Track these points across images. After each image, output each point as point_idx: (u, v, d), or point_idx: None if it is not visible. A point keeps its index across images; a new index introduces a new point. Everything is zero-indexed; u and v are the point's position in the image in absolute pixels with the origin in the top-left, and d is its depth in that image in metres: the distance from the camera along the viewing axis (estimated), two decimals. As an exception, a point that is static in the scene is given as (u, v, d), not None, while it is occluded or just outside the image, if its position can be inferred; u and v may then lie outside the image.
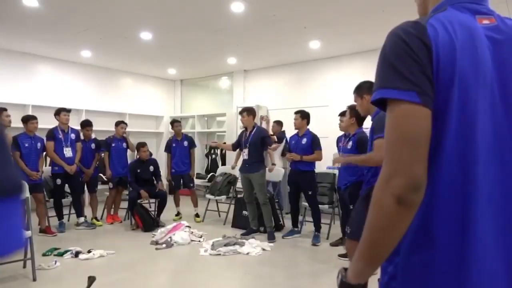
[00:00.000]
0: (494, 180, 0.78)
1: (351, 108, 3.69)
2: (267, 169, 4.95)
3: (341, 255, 4.03)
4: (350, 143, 3.76)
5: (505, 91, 0.80)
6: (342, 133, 4.29)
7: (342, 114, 4.17)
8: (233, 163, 5.54)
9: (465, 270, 0.75)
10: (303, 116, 4.73)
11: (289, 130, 5.11)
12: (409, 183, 0.72)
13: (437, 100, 0.76)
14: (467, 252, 0.75)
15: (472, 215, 0.76)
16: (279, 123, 6.15)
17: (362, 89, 2.70)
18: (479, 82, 0.77)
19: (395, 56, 0.77)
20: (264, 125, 6.34)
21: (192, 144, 6.09)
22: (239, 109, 7.36)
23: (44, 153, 5.04)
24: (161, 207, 5.51)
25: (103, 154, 5.72)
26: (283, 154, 5.54)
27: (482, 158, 0.77)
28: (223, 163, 7.44)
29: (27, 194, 3.49)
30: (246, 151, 4.82)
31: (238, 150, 5.18)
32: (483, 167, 0.77)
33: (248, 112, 4.89)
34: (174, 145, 6.01)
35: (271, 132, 5.98)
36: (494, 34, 0.81)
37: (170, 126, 6.56)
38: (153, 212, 5.57)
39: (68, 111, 5.18)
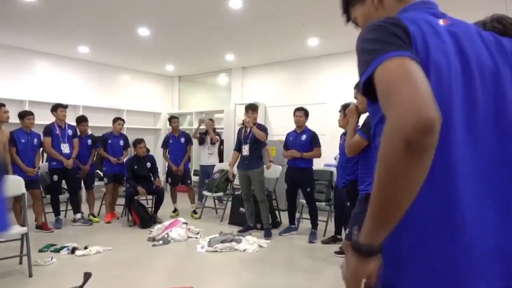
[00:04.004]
0: (472, 162, 0.80)
1: (344, 107, 3.69)
2: (264, 166, 4.94)
3: (337, 252, 4.04)
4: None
5: (468, 79, 0.82)
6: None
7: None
8: (230, 169, 5.30)
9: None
10: (307, 114, 4.76)
11: (287, 127, 5.12)
12: (420, 121, 0.64)
13: None
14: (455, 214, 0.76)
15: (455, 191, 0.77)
16: (212, 120, 6.55)
17: None
18: (451, 70, 0.80)
19: (374, 34, 0.78)
20: (203, 127, 6.47)
21: (189, 141, 6.10)
22: (237, 106, 7.40)
23: (41, 149, 5.02)
24: (158, 203, 5.51)
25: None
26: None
27: (460, 139, 0.79)
28: (221, 160, 7.44)
29: (23, 190, 3.48)
30: (246, 147, 4.80)
31: (236, 153, 5.04)
32: (461, 149, 0.79)
33: (252, 109, 4.89)
34: (171, 141, 6.02)
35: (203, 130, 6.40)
36: (451, 28, 0.86)
37: (167, 123, 6.55)
38: (150, 209, 5.57)
39: (65, 107, 5.15)
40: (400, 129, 0.65)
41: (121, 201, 5.79)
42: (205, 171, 6.48)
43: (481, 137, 0.82)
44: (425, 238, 0.78)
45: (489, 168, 0.82)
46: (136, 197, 5.34)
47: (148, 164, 5.57)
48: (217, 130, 7.63)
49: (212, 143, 6.39)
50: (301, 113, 4.74)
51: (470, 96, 0.82)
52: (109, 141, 5.62)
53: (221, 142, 7.71)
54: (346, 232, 2.72)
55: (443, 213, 0.77)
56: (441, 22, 0.88)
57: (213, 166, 6.38)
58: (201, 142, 6.38)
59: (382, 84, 0.73)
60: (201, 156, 6.58)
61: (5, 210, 0.59)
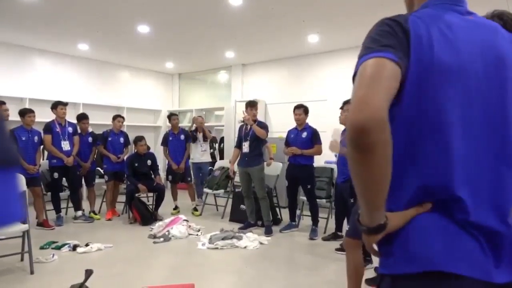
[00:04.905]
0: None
1: (346, 103, 3.72)
2: (265, 163, 4.95)
3: (338, 249, 4.05)
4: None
5: (487, 78, 0.84)
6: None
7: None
8: (231, 167, 5.28)
9: None
10: (306, 111, 4.74)
11: (288, 124, 5.11)
12: (354, 124, 0.69)
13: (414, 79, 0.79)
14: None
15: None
16: (202, 118, 6.63)
17: None
18: (464, 68, 0.82)
19: (376, 33, 0.82)
20: (195, 126, 6.41)
21: (188, 138, 6.10)
22: (237, 104, 7.39)
23: (42, 146, 5.02)
24: (159, 201, 5.52)
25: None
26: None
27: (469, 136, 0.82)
28: (221, 157, 7.45)
29: (24, 187, 3.48)
30: (246, 144, 4.80)
31: (236, 150, 5.02)
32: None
33: (251, 106, 4.89)
34: (170, 138, 6.01)
35: (193, 128, 6.41)
36: (474, 26, 0.87)
37: (167, 120, 6.55)
38: (150, 206, 5.58)
39: (65, 104, 5.15)
40: (347, 130, 0.72)
41: (121, 198, 5.80)
42: (199, 168, 6.47)
43: (498, 137, 0.84)
44: None
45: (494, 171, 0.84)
46: (136, 195, 5.34)
47: (149, 162, 5.58)
48: (215, 128, 7.68)
49: (205, 140, 6.39)
50: (301, 110, 4.72)
51: (487, 95, 0.83)
52: (109, 139, 5.62)
53: (221, 140, 7.73)
54: (348, 228, 2.73)
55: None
56: (464, 19, 0.88)
57: (206, 163, 6.39)
58: (194, 139, 6.36)
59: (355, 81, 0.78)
60: (194, 153, 6.48)
61: (18, 199, 0.59)
